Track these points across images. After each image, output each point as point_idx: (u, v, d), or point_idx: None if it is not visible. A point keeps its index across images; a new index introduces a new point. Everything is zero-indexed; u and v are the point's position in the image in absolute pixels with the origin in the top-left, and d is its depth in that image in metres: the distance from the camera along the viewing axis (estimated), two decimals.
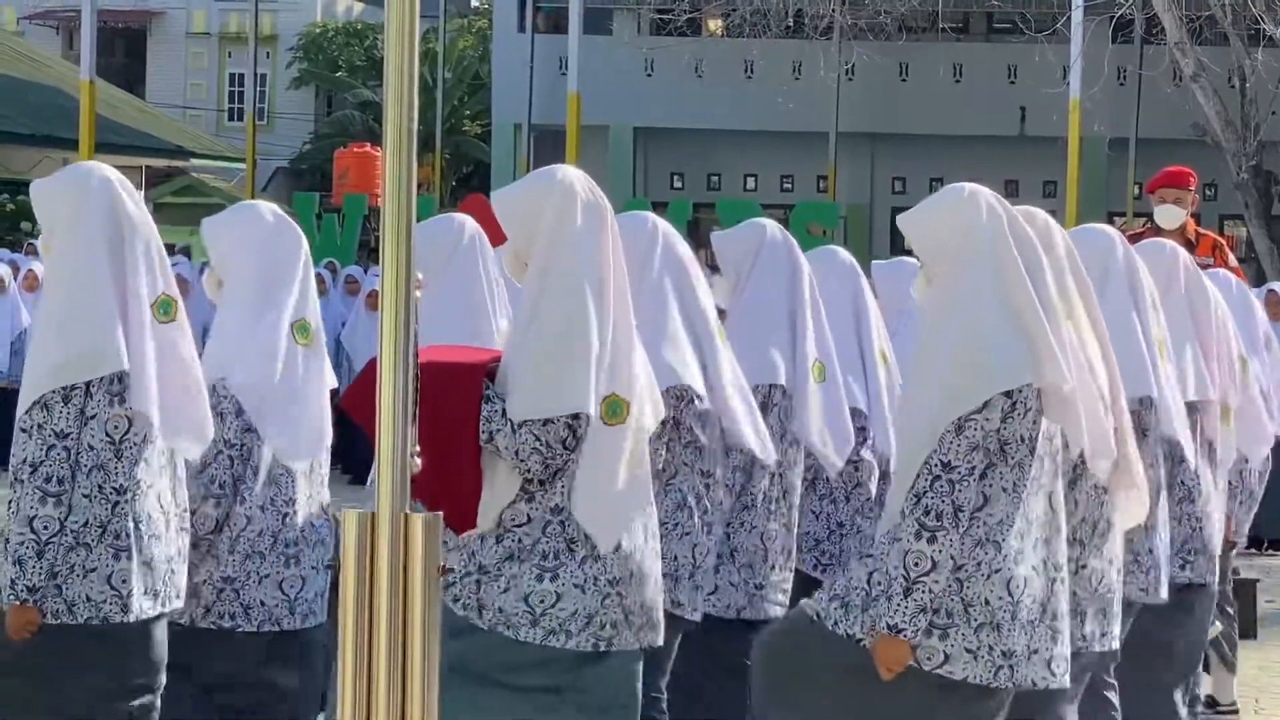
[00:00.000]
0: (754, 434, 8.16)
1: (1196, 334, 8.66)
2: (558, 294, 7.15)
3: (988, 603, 6.66)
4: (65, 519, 7.49)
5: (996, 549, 6.67)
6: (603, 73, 41.30)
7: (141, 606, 7.61)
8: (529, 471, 6.90)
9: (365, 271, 25.83)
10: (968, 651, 6.69)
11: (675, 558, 7.89)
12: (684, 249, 8.21)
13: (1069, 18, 34.74)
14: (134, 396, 7.62)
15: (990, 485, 6.69)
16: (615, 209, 8.11)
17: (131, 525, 7.57)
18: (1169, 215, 14.27)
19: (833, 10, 34.97)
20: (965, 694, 6.82)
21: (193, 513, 7.97)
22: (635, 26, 47.62)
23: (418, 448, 7.21)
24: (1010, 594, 6.68)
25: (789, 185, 44.38)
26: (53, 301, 7.94)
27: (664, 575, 7.68)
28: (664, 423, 7.62)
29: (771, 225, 8.83)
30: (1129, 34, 36.32)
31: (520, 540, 6.89)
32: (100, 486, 7.56)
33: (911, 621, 6.61)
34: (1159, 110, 36.92)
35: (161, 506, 7.71)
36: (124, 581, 7.53)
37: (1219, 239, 15.08)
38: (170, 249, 39.00)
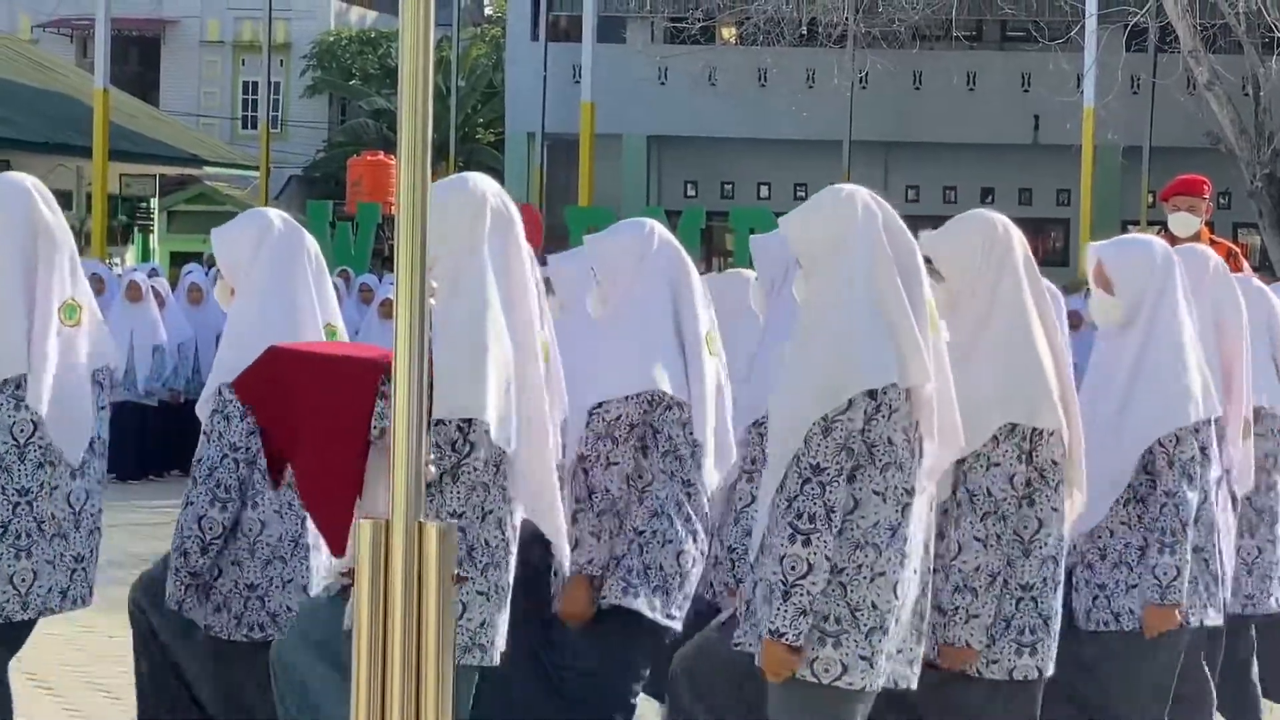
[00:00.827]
0: (712, 451, 8.08)
1: (1220, 345, 8.56)
2: (464, 301, 7.22)
3: (874, 606, 6.68)
4: None
5: (877, 552, 6.69)
6: (616, 81, 41.33)
7: (44, 604, 7.76)
8: None
9: (379, 280, 25.87)
10: (862, 659, 6.72)
11: (661, 567, 7.89)
12: (682, 256, 8.24)
13: (1082, 26, 34.85)
14: (30, 397, 7.69)
15: (861, 489, 6.72)
16: (630, 216, 8.20)
17: (34, 525, 7.67)
18: (1183, 223, 14.20)
19: (846, 19, 35.06)
20: (856, 697, 6.86)
21: (200, 518, 8.01)
22: (649, 35, 47.68)
23: (432, 456, 7.19)
24: (896, 596, 6.71)
25: (802, 193, 44.32)
26: None
27: (654, 588, 7.85)
28: (632, 427, 7.84)
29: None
30: (1143, 42, 36.35)
31: None
32: (3, 488, 7.63)
33: (792, 625, 6.61)
34: (1173, 118, 36.96)
35: (71, 507, 7.77)
36: (23, 580, 7.65)
37: (1233, 247, 15.07)
38: (184, 257, 39.27)
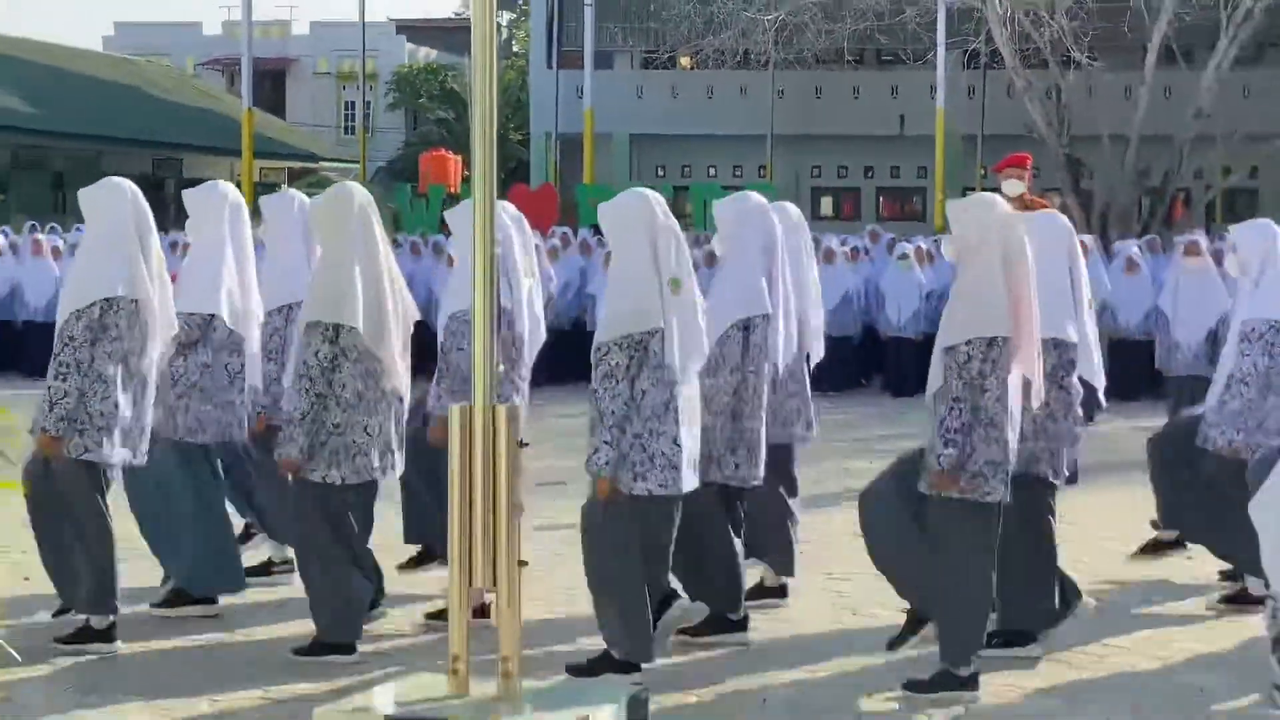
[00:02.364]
0: (689, 358, 7.56)
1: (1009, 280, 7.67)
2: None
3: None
4: None
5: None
6: (607, 96, 41.14)
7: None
8: None
9: (446, 239, 25.73)
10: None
11: (663, 453, 7.39)
12: (670, 218, 7.74)
13: (935, 51, 34.98)
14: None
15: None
16: (620, 192, 8.20)
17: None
18: (1012, 187, 14.07)
19: (768, 50, 35.12)
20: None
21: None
22: (630, 63, 47.53)
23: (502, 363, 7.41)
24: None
25: (739, 173, 44.26)
26: None
27: (659, 470, 7.40)
28: (628, 363, 7.32)
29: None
30: (977, 62, 36.40)
31: None
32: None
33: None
34: (999, 114, 36.86)
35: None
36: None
37: (1046, 204, 15.25)
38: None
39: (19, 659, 6.38)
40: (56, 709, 7.08)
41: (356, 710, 6.05)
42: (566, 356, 21.93)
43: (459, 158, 36.55)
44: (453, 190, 32.45)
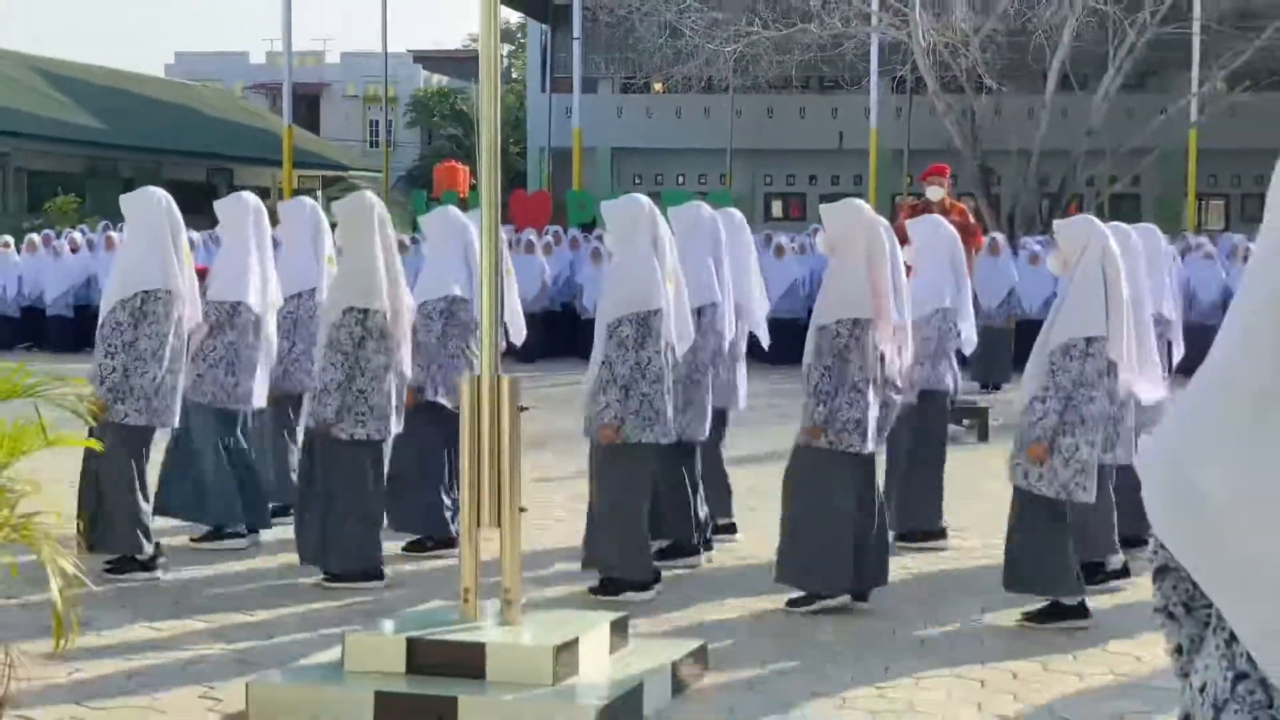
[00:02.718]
0: (678, 337, 7.75)
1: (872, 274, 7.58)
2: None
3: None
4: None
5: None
6: (593, 116, 41.15)
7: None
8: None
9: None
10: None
11: (660, 411, 7.51)
12: (664, 222, 7.88)
13: (869, 79, 35.02)
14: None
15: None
16: (603, 200, 8.30)
17: None
18: (935, 193, 14.19)
19: (728, 77, 35.10)
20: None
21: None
22: (611, 87, 47.50)
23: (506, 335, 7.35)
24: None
25: (703, 181, 44.21)
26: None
27: (660, 424, 7.51)
28: (638, 338, 7.41)
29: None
30: (904, 86, 36.48)
31: None
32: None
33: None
34: (923, 131, 36.94)
35: None
36: None
37: (963, 206, 15.29)
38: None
39: (93, 586, 6.47)
40: (121, 625, 7.13)
41: (383, 634, 6.08)
42: (558, 334, 22.09)
43: (467, 168, 36.49)
44: (462, 195, 32.35)
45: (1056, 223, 7.65)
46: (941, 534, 9.22)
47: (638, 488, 7.68)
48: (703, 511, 8.66)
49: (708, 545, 8.75)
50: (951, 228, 9.48)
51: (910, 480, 9.07)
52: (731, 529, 9.31)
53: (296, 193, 39.97)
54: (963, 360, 9.37)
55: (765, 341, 9.25)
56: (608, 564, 7.75)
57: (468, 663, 5.81)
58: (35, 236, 24.33)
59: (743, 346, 9.04)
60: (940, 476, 9.19)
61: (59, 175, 42.63)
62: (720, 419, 8.95)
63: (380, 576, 8.04)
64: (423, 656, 5.87)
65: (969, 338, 9.28)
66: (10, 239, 24.22)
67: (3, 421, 5.42)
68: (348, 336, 7.81)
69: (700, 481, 8.63)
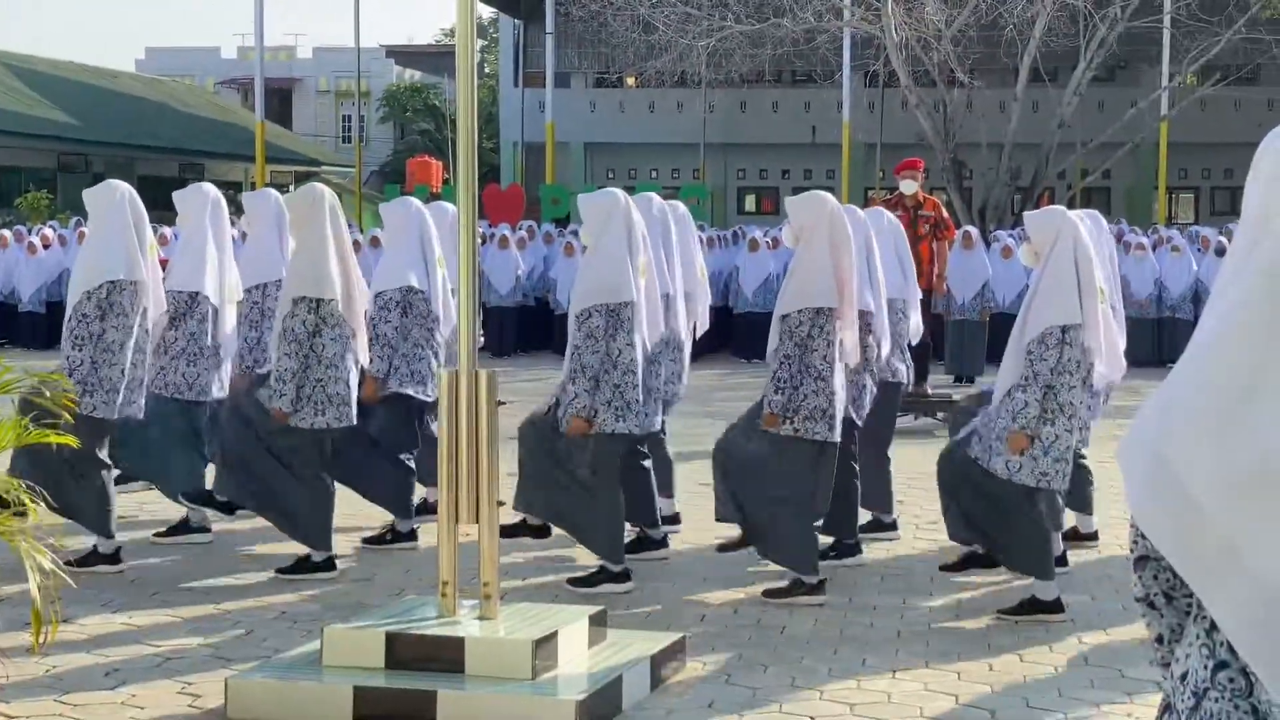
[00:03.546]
0: (649, 330, 7.83)
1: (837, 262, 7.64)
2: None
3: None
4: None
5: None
6: (566, 110, 41.14)
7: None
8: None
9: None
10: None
11: (635, 400, 7.57)
12: (638, 215, 7.88)
13: (841, 73, 35.07)
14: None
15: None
16: (577, 194, 8.30)
17: None
18: (908, 186, 14.17)
19: (701, 71, 35.07)
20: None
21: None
22: (584, 82, 47.46)
23: (483, 332, 7.36)
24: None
25: (677, 175, 44.31)
26: None
27: (635, 415, 7.54)
28: (606, 328, 7.43)
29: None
30: (877, 81, 36.55)
31: None
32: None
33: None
34: (895, 126, 37.02)
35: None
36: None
37: (936, 200, 15.27)
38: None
39: (71, 583, 6.44)
40: (95, 617, 7.12)
41: (362, 627, 6.08)
42: (533, 328, 22.06)
43: (440, 163, 36.44)
44: (435, 190, 32.29)
45: (1027, 215, 7.66)
46: (892, 526, 9.25)
47: (612, 478, 7.72)
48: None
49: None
50: (896, 220, 9.57)
51: (860, 471, 9.04)
52: (676, 519, 9.33)
53: (270, 188, 39.77)
54: (913, 351, 9.35)
55: (703, 327, 9.28)
56: (600, 547, 7.79)
57: (447, 657, 5.82)
58: (7, 232, 24.27)
59: (688, 336, 9.07)
60: (887, 467, 9.17)
61: (30, 171, 42.45)
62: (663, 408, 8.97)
63: (333, 567, 8.12)
64: (402, 651, 5.88)
65: (916, 327, 9.32)
66: None
67: None
68: (301, 326, 7.86)
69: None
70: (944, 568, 8.34)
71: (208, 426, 8.97)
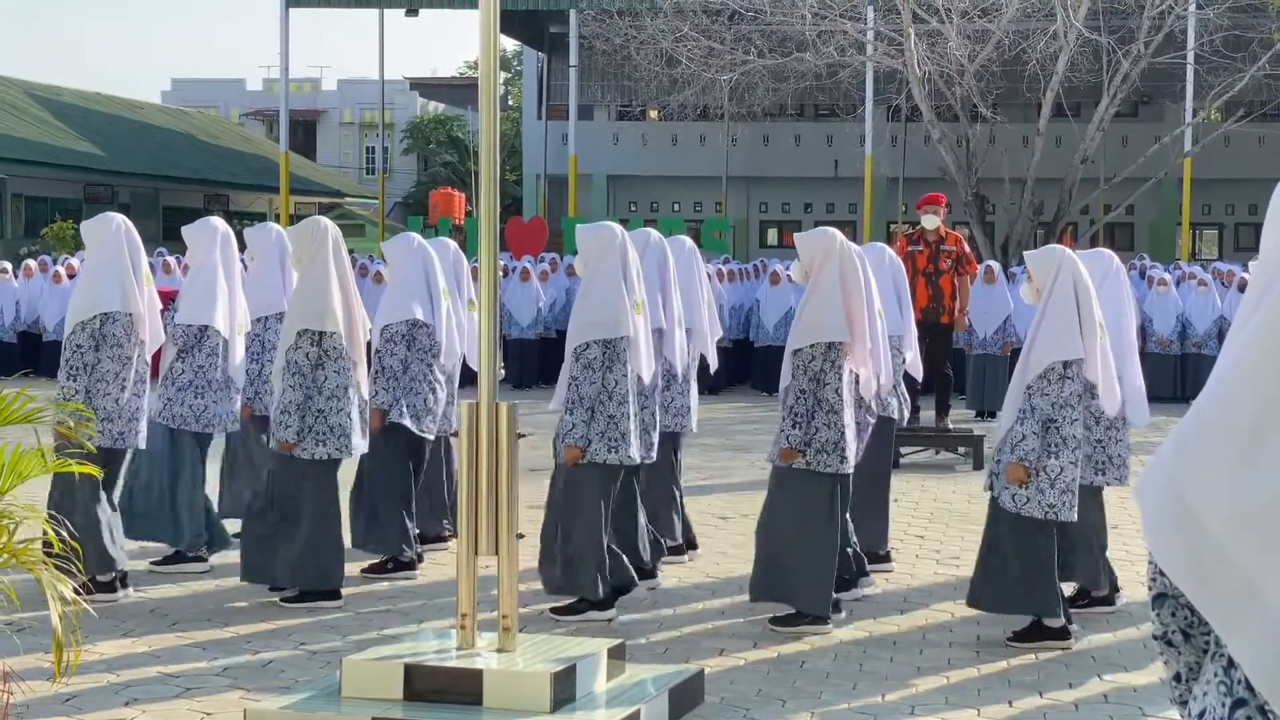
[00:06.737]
0: (645, 365, 7.77)
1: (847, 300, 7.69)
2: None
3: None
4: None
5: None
6: (588, 143, 41.27)
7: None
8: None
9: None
10: None
11: (626, 433, 7.57)
12: (634, 250, 7.86)
13: (864, 107, 35.11)
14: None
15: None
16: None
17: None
18: (930, 221, 14.16)
19: (724, 105, 35.18)
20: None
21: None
22: (607, 115, 47.61)
23: (503, 365, 7.37)
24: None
25: (699, 208, 44.40)
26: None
27: (625, 447, 7.56)
28: (604, 360, 7.48)
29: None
30: (899, 115, 36.60)
31: None
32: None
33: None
34: (918, 160, 37.08)
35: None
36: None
37: (958, 235, 15.24)
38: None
39: (93, 612, 6.46)
40: (112, 640, 7.12)
41: (381, 659, 6.07)
42: (554, 360, 22.07)
43: (462, 194, 36.56)
44: (458, 221, 32.38)
45: (1028, 254, 7.70)
46: (886, 558, 9.21)
47: (598, 508, 7.70)
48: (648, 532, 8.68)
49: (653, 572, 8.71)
50: (895, 255, 9.63)
51: (855, 505, 8.98)
52: (680, 550, 9.33)
53: (294, 219, 39.99)
54: (911, 385, 9.34)
55: (714, 365, 9.31)
56: (576, 585, 7.77)
57: (465, 689, 5.80)
58: (32, 262, 24.40)
59: (694, 370, 9.06)
60: (886, 502, 9.18)
61: (56, 201, 42.68)
62: (673, 442, 9.03)
63: (338, 596, 8.14)
64: (420, 682, 5.86)
65: (913, 361, 9.39)
66: (8, 265, 24.27)
67: (3, 447, 5.41)
68: (304, 358, 7.91)
69: (641, 503, 8.58)
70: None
71: (224, 457, 8.95)
